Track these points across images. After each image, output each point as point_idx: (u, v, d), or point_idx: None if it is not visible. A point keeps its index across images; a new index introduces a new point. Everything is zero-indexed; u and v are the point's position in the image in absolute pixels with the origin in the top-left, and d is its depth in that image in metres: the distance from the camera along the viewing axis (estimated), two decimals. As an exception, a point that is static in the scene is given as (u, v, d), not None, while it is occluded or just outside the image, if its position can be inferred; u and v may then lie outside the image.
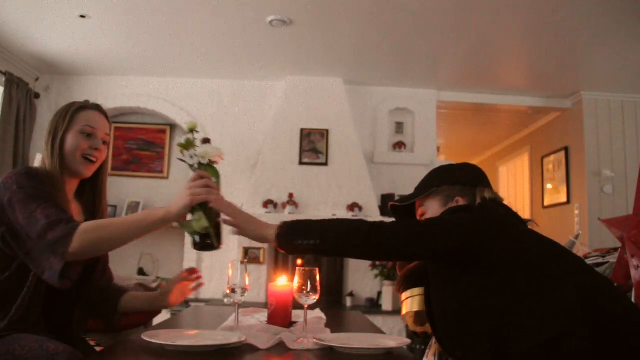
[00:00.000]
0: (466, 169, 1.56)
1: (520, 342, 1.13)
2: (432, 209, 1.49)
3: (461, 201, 1.45)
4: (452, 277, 1.29)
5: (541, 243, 1.30)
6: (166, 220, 1.40)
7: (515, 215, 1.41)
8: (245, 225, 1.37)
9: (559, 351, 1.09)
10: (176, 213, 1.40)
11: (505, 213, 1.39)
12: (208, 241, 1.42)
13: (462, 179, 1.50)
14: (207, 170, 1.43)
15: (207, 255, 5.09)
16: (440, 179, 1.51)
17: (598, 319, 1.12)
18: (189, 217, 1.43)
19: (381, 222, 1.31)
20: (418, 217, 1.55)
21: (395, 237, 1.29)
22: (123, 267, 4.94)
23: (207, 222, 1.39)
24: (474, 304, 1.23)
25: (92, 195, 1.65)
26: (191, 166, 1.43)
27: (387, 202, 5.01)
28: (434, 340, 1.45)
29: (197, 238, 1.43)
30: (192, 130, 1.46)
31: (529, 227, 1.40)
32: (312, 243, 1.30)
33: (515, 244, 1.27)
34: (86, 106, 1.60)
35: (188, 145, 1.42)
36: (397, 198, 5.04)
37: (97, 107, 1.63)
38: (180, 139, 1.46)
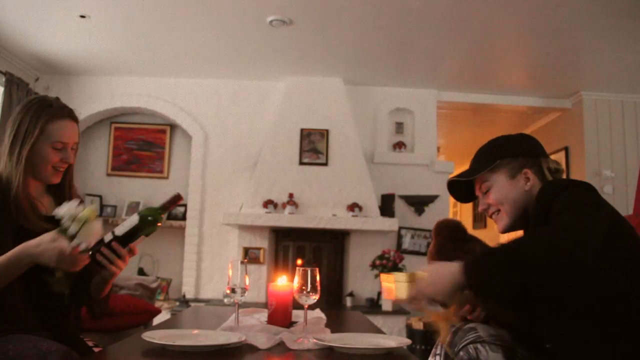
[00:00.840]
0: (526, 139, 1.50)
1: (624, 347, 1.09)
2: (498, 183, 1.43)
3: (530, 173, 1.39)
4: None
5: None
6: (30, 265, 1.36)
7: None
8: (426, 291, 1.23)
9: None
10: (42, 264, 1.36)
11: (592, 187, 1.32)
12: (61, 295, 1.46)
13: (525, 149, 1.44)
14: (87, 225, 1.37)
15: (207, 255, 5.10)
16: (503, 152, 1.45)
17: None
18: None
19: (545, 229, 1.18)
20: (480, 194, 1.48)
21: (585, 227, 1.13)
22: (123, 267, 4.94)
23: (67, 288, 1.43)
24: (590, 303, 1.17)
25: (61, 189, 1.63)
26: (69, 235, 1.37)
27: (387, 202, 5.02)
28: (440, 339, 1.44)
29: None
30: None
31: None
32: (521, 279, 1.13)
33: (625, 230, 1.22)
34: (57, 114, 1.53)
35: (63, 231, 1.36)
36: (399, 194, 5.08)
37: (69, 115, 1.57)
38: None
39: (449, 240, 1.62)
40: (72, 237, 1.35)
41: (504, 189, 1.42)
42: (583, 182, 1.31)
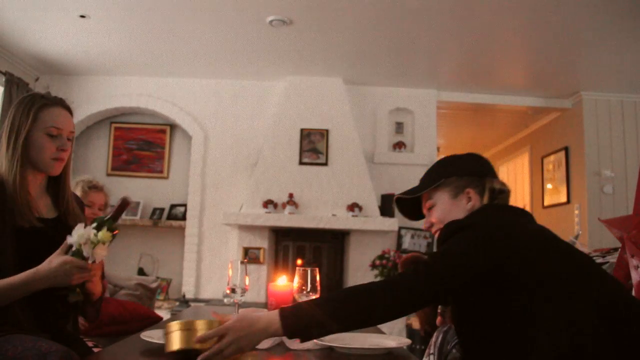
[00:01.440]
0: (473, 159, 1.51)
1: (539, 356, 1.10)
2: (441, 201, 1.45)
3: (472, 193, 1.40)
4: (476, 296, 1.24)
5: (552, 246, 1.25)
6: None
7: (522, 213, 1.37)
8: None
9: None
10: (58, 285, 1.38)
11: (511, 214, 1.36)
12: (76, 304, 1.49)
13: (470, 169, 1.45)
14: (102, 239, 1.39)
15: (207, 255, 5.10)
16: (448, 170, 1.46)
17: (616, 325, 1.10)
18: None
19: (389, 278, 1.25)
20: (425, 211, 1.50)
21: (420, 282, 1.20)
22: (123, 267, 4.94)
23: (81, 296, 1.45)
24: (494, 320, 1.20)
25: (57, 189, 1.63)
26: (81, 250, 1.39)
27: (387, 202, 5.01)
28: (433, 339, 1.45)
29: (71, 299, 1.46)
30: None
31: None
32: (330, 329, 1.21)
33: (532, 256, 1.21)
34: (49, 102, 1.55)
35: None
36: (397, 193, 5.04)
37: (61, 103, 1.58)
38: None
39: None
40: (84, 257, 1.37)
41: (446, 207, 1.43)
42: (491, 216, 1.33)
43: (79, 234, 1.37)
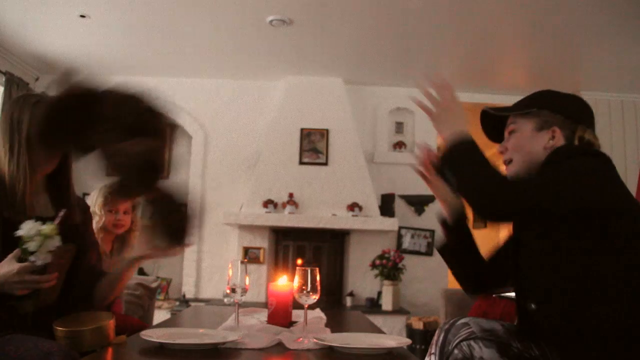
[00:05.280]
0: (575, 101, 1.44)
1: (599, 316, 1.14)
2: (523, 129, 1.39)
3: (558, 132, 1.35)
4: (559, 228, 1.25)
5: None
6: None
7: (610, 162, 1.35)
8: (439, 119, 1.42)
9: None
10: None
11: (605, 162, 1.33)
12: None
13: (567, 109, 1.38)
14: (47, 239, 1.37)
15: (207, 255, 5.10)
16: (544, 103, 1.39)
17: None
18: None
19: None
20: (506, 133, 1.45)
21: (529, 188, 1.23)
22: (123, 267, 4.93)
23: (31, 308, 1.41)
24: (570, 257, 1.21)
25: (59, 187, 1.63)
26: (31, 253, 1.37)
27: (387, 202, 5.02)
28: (435, 338, 1.44)
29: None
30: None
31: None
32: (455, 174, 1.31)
33: (626, 203, 1.25)
34: (45, 97, 1.55)
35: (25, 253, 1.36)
36: (399, 194, 5.08)
37: None
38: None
39: None
40: (31, 253, 1.35)
41: (525, 137, 1.38)
42: (595, 154, 1.30)
43: (28, 227, 1.36)
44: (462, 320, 1.37)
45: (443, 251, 1.59)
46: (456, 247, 1.55)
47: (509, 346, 1.32)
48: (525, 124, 1.39)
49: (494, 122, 1.50)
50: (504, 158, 1.43)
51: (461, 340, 1.32)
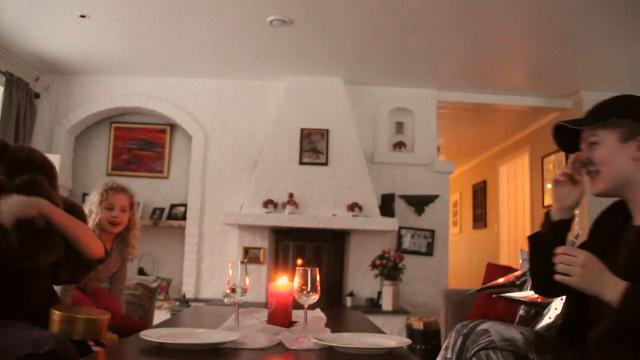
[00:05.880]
0: None
1: None
2: (607, 142, 1.32)
3: None
4: None
5: None
6: None
7: None
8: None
9: None
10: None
11: None
12: None
13: None
14: None
15: (207, 255, 5.10)
16: (623, 111, 1.33)
17: None
18: None
19: None
20: (585, 147, 1.38)
21: None
22: (123, 267, 4.94)
23: None
24: None
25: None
26: None
27: (387, 202, 5.02)
28: (450, 341, 1.39)
29: None
30: None
31: None
32: None
33: None
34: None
35: None
36: (399, 194, 5.08)
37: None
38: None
39: None
40: None
41: (611, 150, 1.33)
42: None
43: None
44: (482, 327, 1.33)
45: (535, 238, 1.51)
46: (549, 239, 1.45)
47: (526, 358, 1.30)
48: (609, 136, 1.34)
49: (568, 131, 1.43)
50: (590, 169, 1.37)
51: (480, 349, 1.29)
